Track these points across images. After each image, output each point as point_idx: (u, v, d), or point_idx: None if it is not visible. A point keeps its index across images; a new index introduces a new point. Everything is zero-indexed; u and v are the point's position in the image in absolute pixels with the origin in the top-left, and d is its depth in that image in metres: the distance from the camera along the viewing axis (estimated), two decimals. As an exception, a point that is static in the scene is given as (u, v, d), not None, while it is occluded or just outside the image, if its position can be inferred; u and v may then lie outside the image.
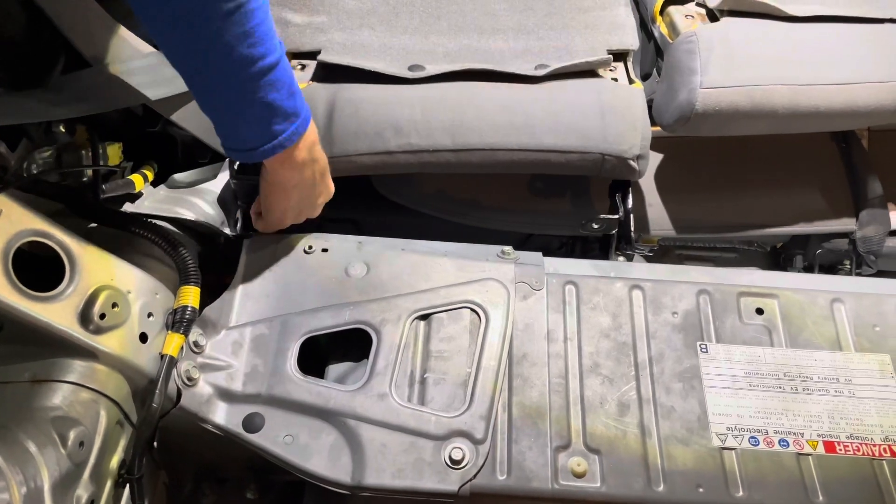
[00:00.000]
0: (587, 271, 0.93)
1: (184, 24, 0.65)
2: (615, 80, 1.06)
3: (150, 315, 0.76)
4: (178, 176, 1.00)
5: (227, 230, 0.97)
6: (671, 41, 1.09)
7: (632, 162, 0.98)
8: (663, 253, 1.28)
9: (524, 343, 0.86)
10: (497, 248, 0.95)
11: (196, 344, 0.81)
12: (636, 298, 0.90)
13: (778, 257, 1.31)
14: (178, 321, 0.79)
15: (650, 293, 0.91)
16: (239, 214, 1.06)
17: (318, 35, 1.08)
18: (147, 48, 0.88)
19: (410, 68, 1.02)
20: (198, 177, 1.01)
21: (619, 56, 1.09)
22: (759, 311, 0.89)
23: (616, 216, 1.06)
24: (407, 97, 0.98)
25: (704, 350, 0.86)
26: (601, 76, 1.05)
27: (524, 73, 1.01)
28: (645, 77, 1.22)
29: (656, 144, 1.23)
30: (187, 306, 0.79)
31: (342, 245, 0.93)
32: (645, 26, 1.21)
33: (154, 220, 0.87)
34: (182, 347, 0.78)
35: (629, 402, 0.82)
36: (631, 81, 1.06)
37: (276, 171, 0.81)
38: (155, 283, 0.79)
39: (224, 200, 1.02)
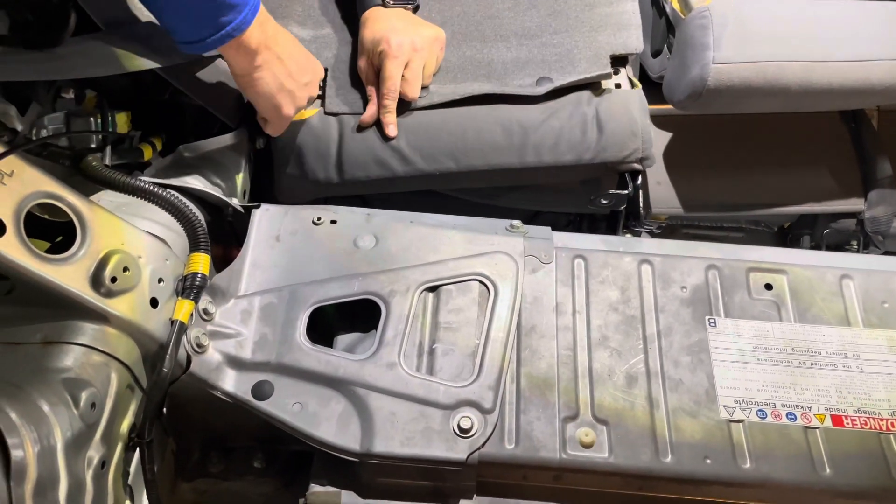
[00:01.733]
0: (596, 246, 0.93)
1: None
2: (618, 85, 1.06)
3: (160, 280, 0.76)
4: (187, 146, 0.99)
5: (234, 201, 0.97)
6: (683, 17, 1.09)
7: (635, 164, 1.03)
8: (670, 231, 1.28)
9: (533, 315, 0.86)
10: (506, 222, 0.95)
11: (206, 311, 0.81)
12: (645, 273, 0.90)
13: (785, 237, 1.31)
14: (188, 288, 0.78)
15: (659, 268, 0.91)
16: (248, 186, 1.06)
17: (324, 51, 1.09)
18: (158, 14, 0.87)
19: None
20: (206, 147, 1.00)
21: (623, 59, 1.07)
22: (768, 287, 0.89)
23: (625, 191, 1.06)
24: (411, 123, 1.02)
25: (713, 324, 0.86)
26: (602, 86, 1.05)
27: (525, 92, 1.02)
28: (656, 53, 1.21)
29: (666, 122, 1.23)
30: (197, 273, 0.79)
31: (351, 217, 0.93)
32: (656, 2, 1.20)
33: (163, 189, 0.87)
34: (192, 314, 0.78)
35: (637, 375, 0.83)
36: (633, 85, 1.06)
37: (234, 60, 0.84)
38: (165, 250, 0.78)
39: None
